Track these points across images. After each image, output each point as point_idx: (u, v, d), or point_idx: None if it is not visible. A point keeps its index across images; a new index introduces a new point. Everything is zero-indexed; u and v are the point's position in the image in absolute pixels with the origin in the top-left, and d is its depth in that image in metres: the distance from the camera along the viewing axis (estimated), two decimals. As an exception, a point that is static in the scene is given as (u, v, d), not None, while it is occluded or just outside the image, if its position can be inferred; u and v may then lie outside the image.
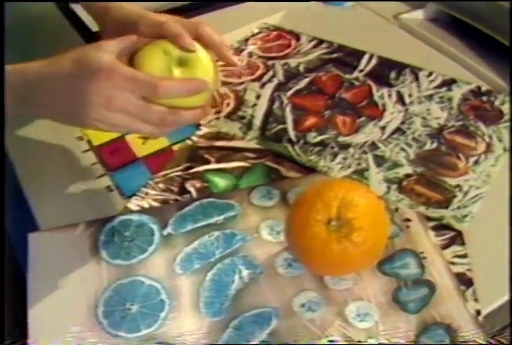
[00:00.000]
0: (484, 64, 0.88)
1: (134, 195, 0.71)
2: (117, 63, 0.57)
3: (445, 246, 0.64)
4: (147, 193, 0.70)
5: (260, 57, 0.90)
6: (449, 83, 0.83)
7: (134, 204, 0.69)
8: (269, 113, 0.79)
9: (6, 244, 0.71)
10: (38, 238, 0.66)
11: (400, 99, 0.81)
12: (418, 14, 0.99)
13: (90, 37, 0.93)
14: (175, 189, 0.71)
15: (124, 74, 0.57)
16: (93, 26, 0.90)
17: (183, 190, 0.70)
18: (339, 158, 0.73)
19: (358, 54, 0.89)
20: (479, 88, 0.83)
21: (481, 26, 0.89)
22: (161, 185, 0.71)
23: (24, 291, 0.62)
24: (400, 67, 0.87)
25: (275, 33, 0.95)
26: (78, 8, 0.99)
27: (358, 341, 0.57)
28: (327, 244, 0.54)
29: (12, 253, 0.72)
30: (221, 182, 0.71)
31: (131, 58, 0.62)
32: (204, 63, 0.63)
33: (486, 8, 0.87)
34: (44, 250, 0.65)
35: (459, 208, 0.67)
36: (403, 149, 0.74)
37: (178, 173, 0.72)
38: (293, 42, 0.93)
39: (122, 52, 0.60)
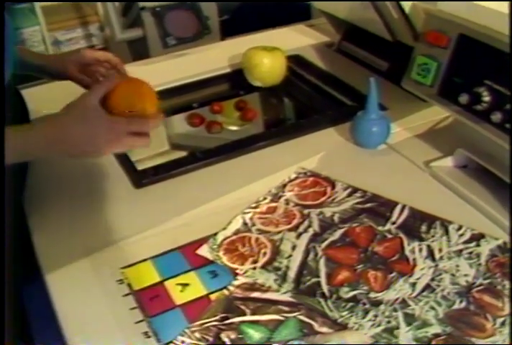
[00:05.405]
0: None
1: (170, 342, 0.73)
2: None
3: None
4: (183, 341, 0.73)
5: (297, 204, 0.94)
6: (477, 238, 0.86)
7: (170, 352, 0.72)
8: (303, 265, 0.82)
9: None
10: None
11: (431, 254, 0.84)
12: (448, 161, 1.03)
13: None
14: (211, 339, 0.73)
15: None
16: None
17: (218, 341, 0.73)
18: (370, 315, 0.75)
19: (391, 205, 0.93)
20: (505, 243, 0.85)
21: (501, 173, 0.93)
22: (197, 335, 0.74)
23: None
24: (430, 219, 0.90)
25: (311, 179, 1.00)
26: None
27: None
28: None
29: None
30: (255, 335, 0.73)
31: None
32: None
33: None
34: None
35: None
36: (432, 308, 0.76)
37: (214, 323, 0.75)
38: (329, 190, 0.97)
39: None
